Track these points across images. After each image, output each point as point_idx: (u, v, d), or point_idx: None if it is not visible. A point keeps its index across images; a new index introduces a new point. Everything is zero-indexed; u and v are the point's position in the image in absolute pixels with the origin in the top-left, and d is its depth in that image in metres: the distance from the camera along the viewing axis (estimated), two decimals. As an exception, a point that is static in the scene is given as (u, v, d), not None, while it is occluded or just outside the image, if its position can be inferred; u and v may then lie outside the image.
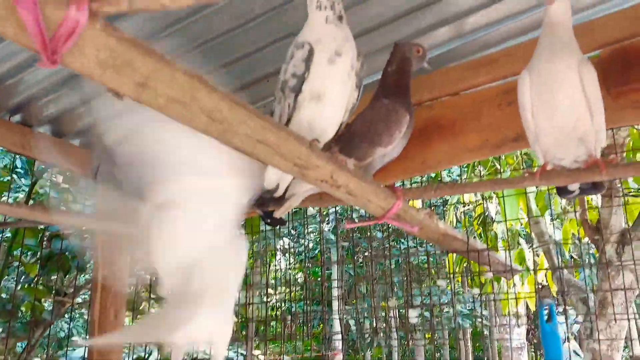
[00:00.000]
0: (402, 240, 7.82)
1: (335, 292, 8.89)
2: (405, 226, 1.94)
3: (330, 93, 1.55)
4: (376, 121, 1.81)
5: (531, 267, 5.94)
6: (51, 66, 0.89)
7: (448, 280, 7.37)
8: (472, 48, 2.40)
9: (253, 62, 2.50)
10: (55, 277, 4.01)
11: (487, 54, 2.34)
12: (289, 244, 10.52)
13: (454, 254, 5.70)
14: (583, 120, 1.59)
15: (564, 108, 1.59)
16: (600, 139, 1.65)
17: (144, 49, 0.93)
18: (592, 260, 6.72)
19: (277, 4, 2.14)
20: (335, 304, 9.21)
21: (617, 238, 4.54)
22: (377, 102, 1.87)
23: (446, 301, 7.89)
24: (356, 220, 7.26)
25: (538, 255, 6.50)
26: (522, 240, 6.34)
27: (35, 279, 3.91)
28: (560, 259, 5.22)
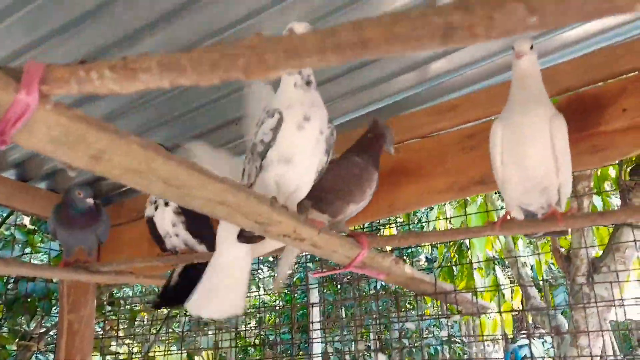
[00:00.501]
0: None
1: (315, 319, 8.79)
2: (371, 273, 1.94)
3: (299, 156, 1.57)
4: (349, 179, 1.89)
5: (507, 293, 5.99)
6: (0, 146, 0.89)
7: (428, 305, 7.37)
8: (436, 93, 2.45)
9: (221, 105, 2.52)
10: (21, 320, 3.89)
11: (450, 99, 2.39)
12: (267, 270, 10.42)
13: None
14: (550, 173, 1.63)
15: (533, 161, 1.63)
16: (564, 192, 1.69)
17: (97, 124, 0.93)
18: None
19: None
20: (315, 332, 9.09)
21: (586, 267, 4.62)
22: (349, 160, 1.95)
23: (426, 327, 7.88)
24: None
25: (513, 283, 6.56)
26: (497, 268, 6.39)
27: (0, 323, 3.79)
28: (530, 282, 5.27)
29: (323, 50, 0.74)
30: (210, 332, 4.73)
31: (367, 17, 0.70)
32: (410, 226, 6.63)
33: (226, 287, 1.75)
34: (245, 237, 1.64)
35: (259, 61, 0.77)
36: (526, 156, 1.64)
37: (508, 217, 1.69)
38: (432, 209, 5.30)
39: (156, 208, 2.49)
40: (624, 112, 2.00)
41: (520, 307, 6.25)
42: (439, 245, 6.55)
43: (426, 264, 7.81)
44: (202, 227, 2.48)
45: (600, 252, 4.54)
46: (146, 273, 2.68)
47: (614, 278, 4.24)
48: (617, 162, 2.25)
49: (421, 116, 2.41)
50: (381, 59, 2.27)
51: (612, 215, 2.06)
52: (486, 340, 6.77)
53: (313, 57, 0.75)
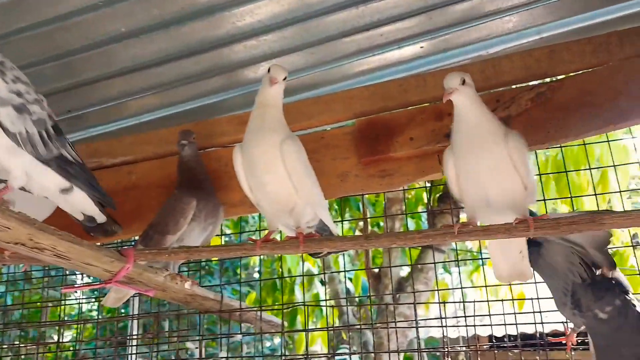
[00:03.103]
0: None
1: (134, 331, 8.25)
2: (138, 290, 1.78)
3: None
4: (164, 212, 1.98)
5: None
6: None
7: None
8: (244, 102, 2.37)
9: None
10: None
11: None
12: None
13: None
14: (291, 194, 1.64)
15: (270, 184, 1.65)
16: (319, 212, 1.71)
17: None
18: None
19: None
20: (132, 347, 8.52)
21: (395, 285, 4.89)
22: (173, 193, 2.04)
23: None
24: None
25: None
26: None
27: None
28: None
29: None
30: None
31: None
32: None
33: None
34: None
35: None
36: (264, 179, 1.65)
37: (270, 237, 1.65)
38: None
39: None
40: (411, 141, 2.08)
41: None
42: (266, 258, 6.51)
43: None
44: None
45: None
46: None
47: (416, 297, 4.53)
48: (404, 187, 2.31)
49: (223, 124, 2.30)
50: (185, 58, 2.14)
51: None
52: (311, 356, 6.84)
53: None
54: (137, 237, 2.13)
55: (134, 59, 2.15)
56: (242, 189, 1.74)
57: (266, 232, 1.70)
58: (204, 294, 2.05)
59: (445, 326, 2.03)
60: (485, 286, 2.52)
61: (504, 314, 2.08)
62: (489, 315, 2.05)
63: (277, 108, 1.68)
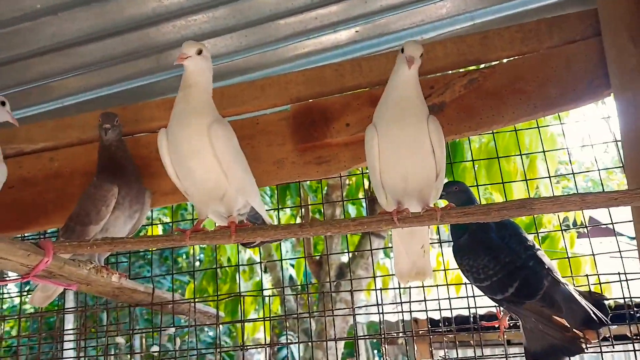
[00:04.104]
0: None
1: (70, 325, 7.93)
2: (60, 284, 1.68)
3: None
4: (83, 201, 1.87)
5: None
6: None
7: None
8: (174, 85, 2.27)
9: None
10: None
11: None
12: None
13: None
14: (221, 181, 1.57)
15: (197, 170, 1.58)
16: (250, 199, 1.66)
17: None
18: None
19: None
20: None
21: (336, 271, 4.92)
22: (92, 182, 1.91)
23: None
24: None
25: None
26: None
27: None
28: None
29: None
30: None
31: None
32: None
33: None
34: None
35: None
36: (191, 165, 1.57)
37: (199, 227, 1.58)
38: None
39: None
40: (347, 127, 2.05)
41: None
42: (205, 246, 6.39)
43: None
44: None
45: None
46: None
47: (357, 283, 4.57)
48: (342, 174, 2.29)
49: (152, 109, 2.19)
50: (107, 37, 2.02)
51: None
52: (247, 347, 6.80)
53: None
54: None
55: (53, 38, 2.01)
56: (169, 175, 1.66)
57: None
58: (134, 287, 1.97)
59: (382, 312, 2.03)
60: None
61: (438, 299, 2.10)
62: (424, 300, 2.07)
63: (202, 89, 1.59)
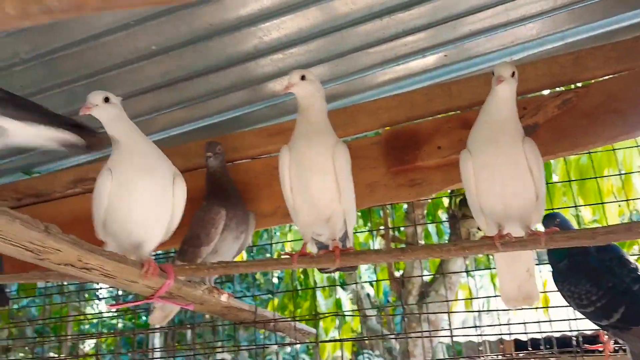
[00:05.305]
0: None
1: (156, 341, 8.29)
2: (180, 304, 1.82)
3: None
4: (194, 225, 1.99)
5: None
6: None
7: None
8: (268, 114, 2.41)
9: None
10: None
11: (281, 122, 2.36)
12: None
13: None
14: (333, 199, 1.64)
15: (316, 186, 1.64)
16: (350, 222, 1.72)
17: None
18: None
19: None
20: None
21: (418, 291, 4.88)
22: (201, 205, 2.04)
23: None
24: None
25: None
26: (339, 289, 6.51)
27: None
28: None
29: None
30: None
31: None
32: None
33: None
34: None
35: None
36: (310, 184, 1.64)
37: (305, 251, 1.66)
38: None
39: None
40: (439, 150, 2.10)
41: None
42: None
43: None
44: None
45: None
46: None
47: (442, 302, 4.52)
48: (432, 196, 2.33)
49: (252, 136, 2.34)
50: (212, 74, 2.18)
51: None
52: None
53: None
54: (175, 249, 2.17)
55: (164, 75, 2.19)
56: (283, 191, 1.72)
57: (286, 244, 1.72)
58: (239, 306, 2.09)
59: (481, 335, 2.05)
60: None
61: (523, 323, 2.07)
62: (524, 323, 2.05)
63: (318, 109, 1.70)
